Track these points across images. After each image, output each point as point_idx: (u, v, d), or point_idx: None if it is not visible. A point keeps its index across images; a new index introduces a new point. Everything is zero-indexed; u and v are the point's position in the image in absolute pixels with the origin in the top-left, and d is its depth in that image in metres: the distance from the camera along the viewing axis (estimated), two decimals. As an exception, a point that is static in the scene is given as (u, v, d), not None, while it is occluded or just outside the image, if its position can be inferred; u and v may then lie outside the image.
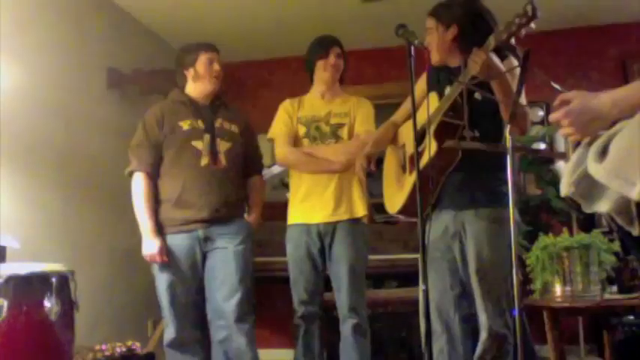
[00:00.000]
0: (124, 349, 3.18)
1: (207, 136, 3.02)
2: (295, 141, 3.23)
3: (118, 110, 4.32)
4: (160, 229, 3.00)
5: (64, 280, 2.59)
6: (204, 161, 3.00)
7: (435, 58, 2.64)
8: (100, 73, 4.19)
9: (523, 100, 2.38)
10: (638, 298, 3.06)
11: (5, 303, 2.41)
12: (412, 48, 2.34)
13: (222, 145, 3.06)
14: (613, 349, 3.60)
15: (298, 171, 3.21)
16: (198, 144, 3.01)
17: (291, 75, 5.36)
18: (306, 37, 5.15)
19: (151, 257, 2.95)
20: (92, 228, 3.97)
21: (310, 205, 3.13)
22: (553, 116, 1.44)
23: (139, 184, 3.01)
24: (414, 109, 2.29)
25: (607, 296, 3.05)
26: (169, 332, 2.99)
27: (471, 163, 2.52)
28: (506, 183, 2.52)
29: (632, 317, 3.77)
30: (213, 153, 3.01)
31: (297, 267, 3.13)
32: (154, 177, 3.04)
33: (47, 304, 2.49)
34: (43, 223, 3.54)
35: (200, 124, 3.05)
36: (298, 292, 3.12)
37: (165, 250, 2.95)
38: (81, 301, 2.66)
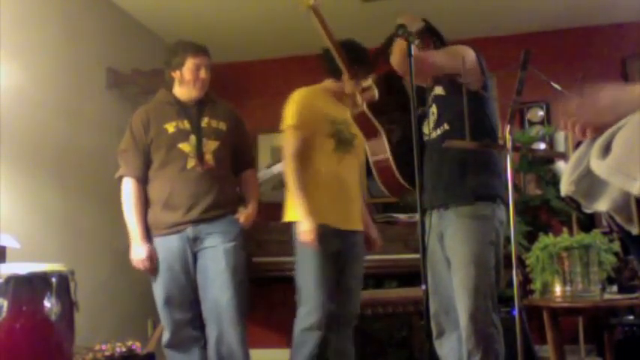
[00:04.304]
0: (123, 349, 3.18)
1: (193, 138, 2.98)
2: (316, 140, 3.02)
3: (117, 110, 4.31)
4: (149, 232, 2.99)
5: (64, 280, 2.58)
6: (191, 163, 2.96)
7: (428, 79, 2.69)
8: (100, 73, 4.19)
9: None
10: (638, 298, 3.06)
11: (5, 303, 2.41)
12: (412, 48, 2.34)
13: (209, 145, 3.00)
14: (613, 349, 3.60)
15: None
16: (185, 146, 2.97)
17: (290, 75, 5.37)
18: (305, 37, 5.13)
19: (137, 263, 2.94)
20: (92, 228, 3.97)
21: (345, 210, 3.01)
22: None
23: (127, 189, 3.01)
24: (414, 108, 2.29)
25: (607, 296, 3.05)
26: (166, 333, 2.99)
27: (451, 160, 2.54)
28: (487, 178, 2.56)
29: (631, 317, 3.77)
30: (199, 154, 2.97)
31: (326, 267, 2.92)
32: (142, 181, 3.02)
33: (47, 304, 2.48)
34: (43, 223, 3.54)
35: (186, 124, 3.01)
36: (324, 294, 2.89)
37: (154, 257, 2.95)
38: (81, 301, 2.66)
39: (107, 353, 3.10)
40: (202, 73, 3.03)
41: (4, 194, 3.19)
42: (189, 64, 3.01)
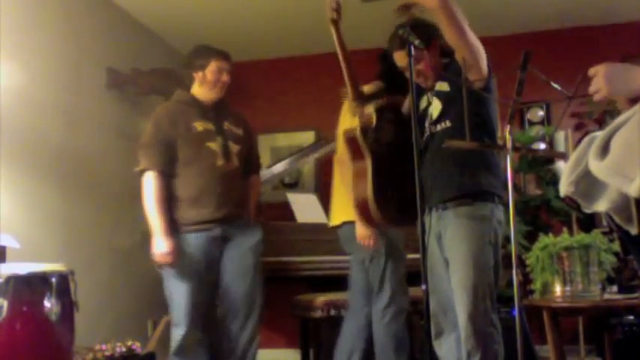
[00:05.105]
0: (123, 349, 3.17)
1: (219, 138, 3.10)
2: None
3: (117, 110, 4.32)
4: (175, 228, 3.02)
5: (64, 280, 2.58)
6: (220, 162, 3.06)
7: (429, 80, 2.69)
8: (100, 73, 4.18)
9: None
10: (638, 298, 3.06)
11: (5, 303, 2.40)
12: (412, 48, 2.35)
13: (233, 147, 3.14)
14: (613, 349, 3.60)
15: None
16: (213, 145, 3.07)
17: (290, 75, 5.37)
18: (305, 36, 5.14)
19: (161, 257, 2.95)
20: (92, 228, 3.97)
21: None
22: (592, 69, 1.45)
23: (150, 183, 3.02)
24: (414, 108, 2.29)
25: (607, 296, 3.05)
26: (179, 332, 2.98)
27: (450, 158, 2.54)
28: (486, 178, 2.56)
29: (631, 317, 3.77)
30: (226, 154, 3.08)
31: None
32: (165, 176, 3.05)
33: (47, 304, 2.48)
34: (43, 223, 3.53)
35: (210, 126, 3.12)
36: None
37: (177, 251, 2.97)
38: (81, 301, 2.66)
39: (107, 353, 3.09)
40: (224, 76, 3.15)
41: (3, 194, 3.19)
42: (213, 66, 3.13)
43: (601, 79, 1.36)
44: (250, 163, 3.29)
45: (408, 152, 2.74)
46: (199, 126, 3.09)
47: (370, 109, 2.74)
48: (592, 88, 1.42)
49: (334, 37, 2.67)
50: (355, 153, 2.72)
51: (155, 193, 3.00)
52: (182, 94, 3.22)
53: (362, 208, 2.66)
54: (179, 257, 2.97)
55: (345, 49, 2.70)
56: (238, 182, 3.14)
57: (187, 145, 3.05)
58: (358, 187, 2.67)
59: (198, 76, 3.15)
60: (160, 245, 2.95)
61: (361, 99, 2.80)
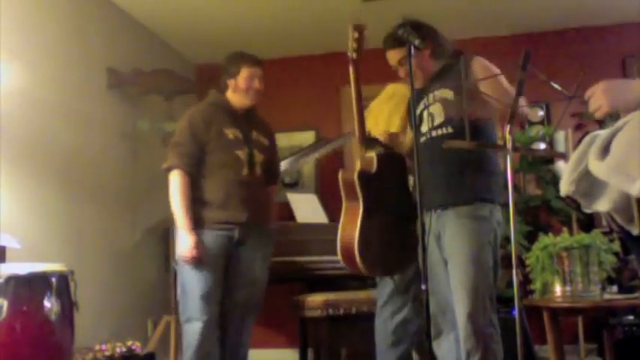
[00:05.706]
0: (124, 349, 3.18)
1: (246, 147, 3.17)
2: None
3: (117, 110, 4.32)
4: (199, 224, 3.07)
5: (64, 280, 2.58)
6: (245, 171, 3.14)
7: (420, 81, 2.68)
8: (100, 73, 4.18)
9: (523, 101, 2.38)
10: (638, 298, 3.06)
11: (5, 303, 2.40)
12: (412, 48, 2.35)
13: (258, 157, 3.20)
14: (613, 349, 3.60)
15: None
16: (241, 154, 3.14)
17: (291, 75, 5.37)
18: (305, 37, 5.14)
19: (187, 252, 3.00)
20: (92, 227, 3.97)
21: None
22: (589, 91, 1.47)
23: (177, 182, 3.09)
24: (414, 111, 2.29)
25: (607, 296, 3.05)
26: (197, 326, 2.98)
27: (450, 161, 2.54)
28: (486, 179, 2.56)
29: (631, 317, 3.77)
30: (251, 164, 3.16)
31: None
32: (192, 176, 3.12)
33: (47, 304, 2.48)
34: (44, 223, 3.53)
35: (239, 134, 3.18)
36: None
37: (200, 248, 3.02)
38: (81, 301, 2.66)
39: (107, 353, 3.10)
40: (256, 83, 3.22)
41: (4, 194, 3.19)
42: (245, 72, 3.20)
43: (600, 95, 1.38)
44: (271, 172, 3.35)
45: (400, 203, 2.73)
46: (230, 133, 3.15)
47: (371, 154, 2.72)
48: (592, 107, 1.43)
49: (351, 76, 2.68)
50: (349, 193, 2.71)
51: (181, 191, 3.07)
52: (217, 95, 3.27)
53: (347, 252, 2.65)
54: (203, 251, 3.03)
55: (359, 90, 2.70)
56: (260, 190, 3.21)
57: (218, 151, 3.13)
58: (346, 230, 2.67)
59: (231, 83, 3.21)
60: (185, 240, 3.01)
61: (366, 141, 2.76)
